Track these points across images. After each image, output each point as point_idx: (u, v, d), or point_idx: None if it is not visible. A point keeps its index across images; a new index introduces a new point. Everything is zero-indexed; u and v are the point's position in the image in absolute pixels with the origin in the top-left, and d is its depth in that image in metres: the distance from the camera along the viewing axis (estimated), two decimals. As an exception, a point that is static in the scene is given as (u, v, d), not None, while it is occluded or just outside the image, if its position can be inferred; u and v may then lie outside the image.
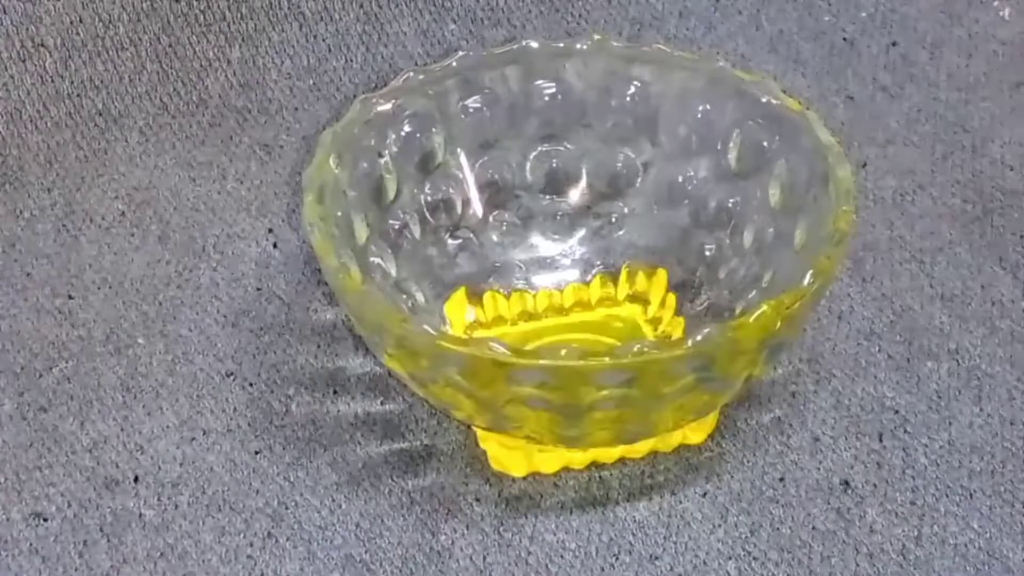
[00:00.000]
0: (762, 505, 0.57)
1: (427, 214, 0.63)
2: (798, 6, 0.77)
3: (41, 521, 0.58)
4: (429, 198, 0.63)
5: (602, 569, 0.56)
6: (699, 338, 0.51)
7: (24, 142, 0.70)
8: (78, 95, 0.71)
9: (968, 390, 0.61)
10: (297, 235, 0.68)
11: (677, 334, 0.61)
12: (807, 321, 0.55)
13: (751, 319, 0.52)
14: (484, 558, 0.56)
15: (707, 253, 0.62)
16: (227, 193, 0.70)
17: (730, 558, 0.56)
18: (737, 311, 0.59)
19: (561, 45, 0.63)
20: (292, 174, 0.71)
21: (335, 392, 0.61)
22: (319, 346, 0.63)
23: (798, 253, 0.58)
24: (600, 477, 0.58)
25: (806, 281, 0.53)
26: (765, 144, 0.61)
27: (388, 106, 0.61)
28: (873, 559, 0.56)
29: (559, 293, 0.63)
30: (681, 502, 0.57)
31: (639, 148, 0.63)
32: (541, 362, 0.51)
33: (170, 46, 0.72)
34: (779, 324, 0.52)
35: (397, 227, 0.62)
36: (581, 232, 0.64)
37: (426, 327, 0.52)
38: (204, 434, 0.60)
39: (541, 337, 0.62)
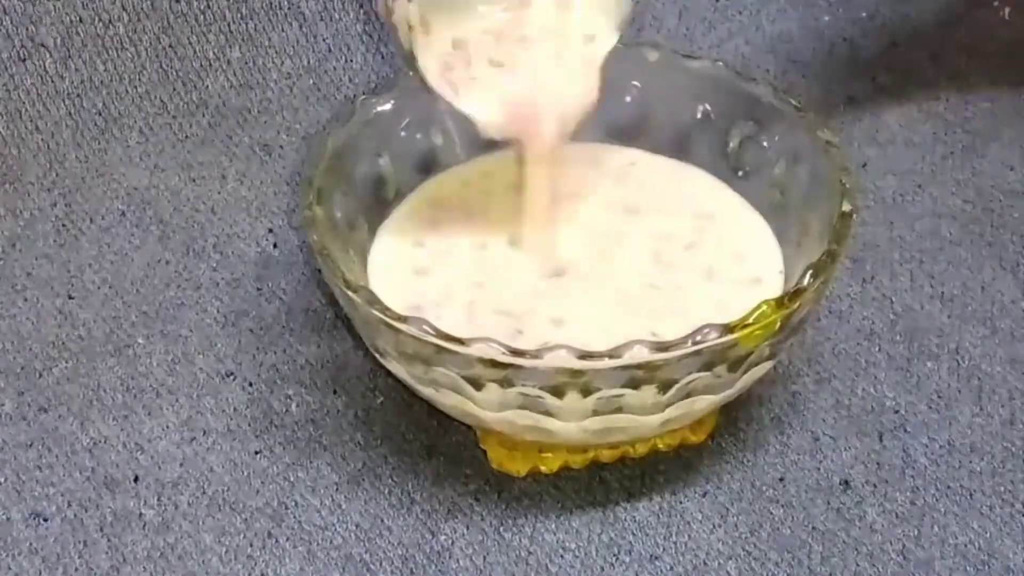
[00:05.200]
0: (762, 505, 0.57)
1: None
2: (798, 6, 0.77)
3: (41, 521, 0.58)
4: (429, 198, 0.63)
5: (602, 569, 0.56)
6: (699, 338, 0.51)
7: (24, 142, 0.70)
8: (78, 95, 0.71)
9: (968, 390, 0.61)
10: (297, 235, 0.68)
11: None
12: (807, 321, 0.55)
13: (751, 319, 0.52)
14: (484, 558, 0.56)
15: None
16: (227, 193, 0.70)
17: (730, 558, 0.56)
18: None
19: (561, 45, 0.63)
20: (292, 174, 0.71)
21: (335, 392, 0.61)
22: (319, 346, 0.63)
23: (798, 253, 0.58)
24: (600, 477, 0.58)
25: (806, 281, 0.53)
26: (765, 144, 0.61)
27: (388, 106, 0.61)
28: (873, 559, 0.56)
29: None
30: (681, 502, 0.57)
31: (639, 148, 0.63)
32: (541, 362, 0.51)
33: (170, 46, 0.72)
34: (779, 324, 0.52)
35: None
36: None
37: (425, 327, 0.52)
38: (204, 434, 0.60)
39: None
